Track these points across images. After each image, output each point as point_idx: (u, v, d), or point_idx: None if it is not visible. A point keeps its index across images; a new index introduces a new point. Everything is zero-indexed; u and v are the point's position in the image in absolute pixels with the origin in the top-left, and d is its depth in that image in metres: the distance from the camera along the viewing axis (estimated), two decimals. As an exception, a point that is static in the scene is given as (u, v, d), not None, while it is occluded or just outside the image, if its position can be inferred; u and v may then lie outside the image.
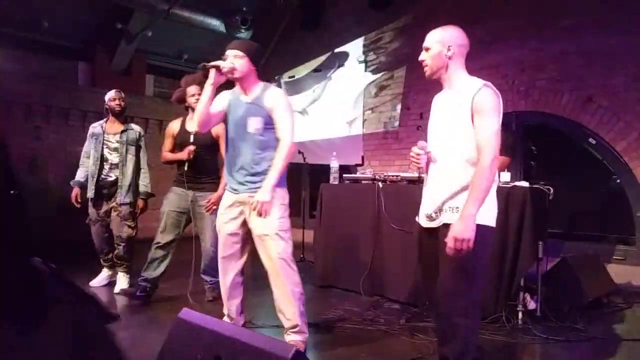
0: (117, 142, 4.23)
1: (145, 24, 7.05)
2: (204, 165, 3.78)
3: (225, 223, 2.79)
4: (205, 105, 2.64)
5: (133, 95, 6.61)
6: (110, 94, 4.30)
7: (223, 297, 2.90)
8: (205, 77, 2.64)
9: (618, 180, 5.01)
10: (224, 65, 2.59)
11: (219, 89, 2.73)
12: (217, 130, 3.66)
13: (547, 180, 3.69)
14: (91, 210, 4.23)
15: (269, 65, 8.41)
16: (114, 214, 4.21)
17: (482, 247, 2.09)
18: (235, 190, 2.74)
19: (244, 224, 2.75)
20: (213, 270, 3.68)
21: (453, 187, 2.18)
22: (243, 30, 7.55)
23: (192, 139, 3.69)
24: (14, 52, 6.52)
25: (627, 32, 4.74)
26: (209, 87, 2.61)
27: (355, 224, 4.33)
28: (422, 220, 2.35)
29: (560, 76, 5.16)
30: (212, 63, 2.59)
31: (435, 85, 2.37)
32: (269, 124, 2.66)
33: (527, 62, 5.39)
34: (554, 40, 5.18)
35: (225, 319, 2.85)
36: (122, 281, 4.22)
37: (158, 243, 3.78)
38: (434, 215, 2.26)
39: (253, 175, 2.67)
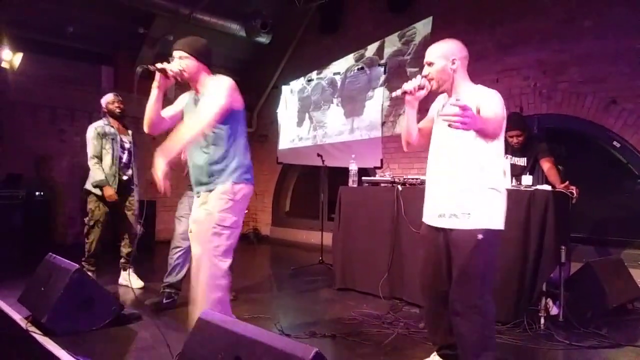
0: (129, 142, 4.42)
1: (167, 29, 7.16)
2: None
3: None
4: (152, 108, 2.58)
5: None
6: (109, 97, 4.38)
7: None
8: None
9: (644, 184, 4.90)
10: (170, 68, 2.54)
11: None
12: None
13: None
14: (99, 212, 4.25)
15: (288, 68, 8.47)
16: (127, 212, 4.36)
17: (489, 249, 2.24)
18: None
19: None
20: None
21: (464, 192, 2.27)
22: (263, 34, 7.60)
23: None
24: (40, 56, 6.71)
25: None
26: (155, 90, 2.55)
27: (374, 226, 4.32)
28: (433, 220, 2.43)
29: (582, 78, 5.06)
30: (158, 66, 2.52)
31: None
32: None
33: (549, 63, 5.31)
34: (576, 41, 5.10)
35: None
36: (135, 280, 4.33)
37: (177, 247, 3.74)
38: (445, 215, 2.34)
39: (208, 175, 2.56)
